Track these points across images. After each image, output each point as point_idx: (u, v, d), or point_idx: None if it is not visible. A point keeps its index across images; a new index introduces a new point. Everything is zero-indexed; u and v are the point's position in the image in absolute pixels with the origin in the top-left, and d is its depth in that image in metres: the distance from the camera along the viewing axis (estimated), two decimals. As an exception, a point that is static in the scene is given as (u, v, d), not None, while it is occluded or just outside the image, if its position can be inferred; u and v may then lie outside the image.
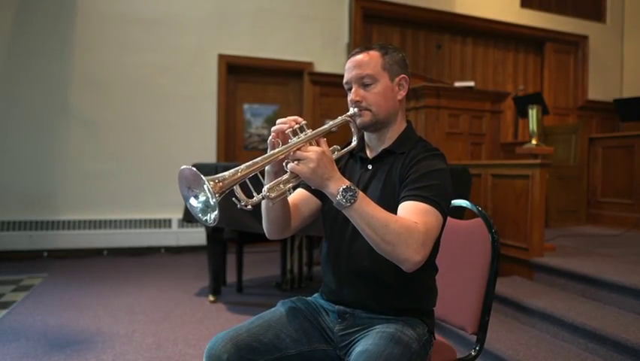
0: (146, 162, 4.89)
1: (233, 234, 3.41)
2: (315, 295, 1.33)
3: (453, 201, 1.50)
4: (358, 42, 5.62)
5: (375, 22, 6.00)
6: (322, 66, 5.55)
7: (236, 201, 1.01)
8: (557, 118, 6.77)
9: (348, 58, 1.25)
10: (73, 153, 4.68)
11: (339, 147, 1.21)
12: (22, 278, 3.73)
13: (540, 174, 2.92)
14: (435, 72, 6.12)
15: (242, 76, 5.43)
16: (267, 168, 1.10)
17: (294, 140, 1.04)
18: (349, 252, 1.19)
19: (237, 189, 1.01)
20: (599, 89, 7.07)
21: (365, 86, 1.20)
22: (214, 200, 0.92)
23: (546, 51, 6.93)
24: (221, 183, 0.94)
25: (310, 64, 5.50)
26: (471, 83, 4.29)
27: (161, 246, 4.90)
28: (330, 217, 1.26)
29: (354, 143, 1.23)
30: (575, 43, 7.05)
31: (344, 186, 1.00)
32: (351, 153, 1.30)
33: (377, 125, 1.22)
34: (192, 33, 5.05)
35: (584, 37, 7.01)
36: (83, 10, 4.71)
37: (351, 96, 1.21)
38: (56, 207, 4.62)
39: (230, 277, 3.72)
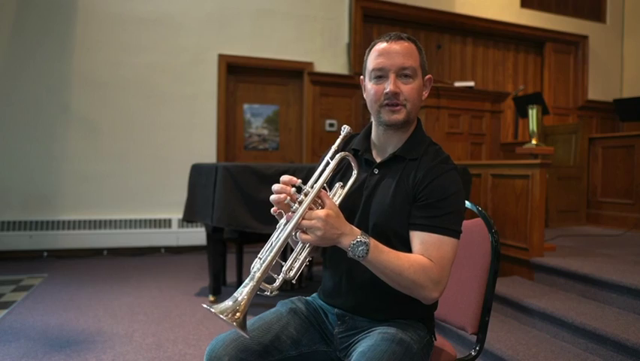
0: (146, 162, 4.89)
1: (233, 234, 3.42)
2: (314, 295, 1.32)
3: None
4: (358, 42, 5.62)
5: (375, 22, 6.00)
6: (322, 66, 5.55)
7: (260, 293, 0.99)
8: (557, 118, 6.78)
9: (377, 43, 1.15)
10: (73, 153, 4.68)
11: (341, 183, 1.14)
12: (22, 278, 3.73)
13: (540, 174, 2.92)
14: (435, 72, 6.12)
15: (242, 76, 5.43)
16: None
17: (296, 207, 1.00)
18: (349, 262, 1.13)
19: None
20: (599, 89, 7.07)
21: (404, 77, 1.12)
22: (237, 329, 0.93)
23: (546, 51, 6.93)
24: (238, 314, 0.93)
25: (310, 64, 5.50)
26: (471, 83, 4.29)
27: (161, 246, 4.90)
28: None
29: (354, 175, 1.12)
30: (575, 43, 7.05)
31: (354, 242, 0.99)
32: (356, 153, 1.22)
33: (404, 125, 1.15)
34: (192, 33, 5.05)
35: (584, 37, 7.01)
36: (83, 9, 4.71)
37: (389, 87, 1.10)
38: (56, 207, 4.62)
39: (230, 277, 3.72)
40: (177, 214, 4.78)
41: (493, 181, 3.33)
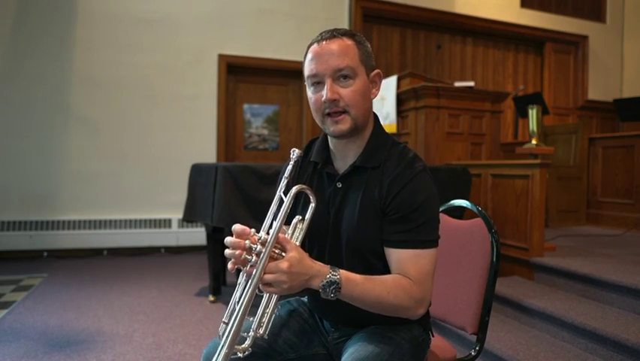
0: (146, 162, 4.89)
1: (233, 234, 3.41)
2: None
3: (453, 202, 1.51)
4: (358, 42, 5.61)
5: (375, 22, 6.00)
6: (322, 66, 5.54)
7: (232, 356, 0.90)
8: (557, 118, 6.78)
9: (311, 45, 1.06)
10: (73, 153, 4.68)
11: (300, 217, 1.04)
12: (22, 278, 3.73)
13: (540, 174, 2.92)
14: (435, 72, 6.13)
15: (242, 76, 5.43)
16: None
17: (254, 259, 0.90)
18: None
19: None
20: (599, 89, 7.07)
21: (343, 79, 1.01)
22: None
23: (546, 51, 6.93)
24: None
25: (310, 64, 5.48)
26: (471, 83, 4.29)
27: (161, 246, 4.90)
28: (306, 245, 1.13)
29: (312, 207, 1.03)
30: (575, 43, 7.06)
31: (324, 282, 0.92)
32: (315, 168, 1.16)
33: (353, 133, 1.05)
34: (192, 33, 5.05)
35: (584, 37, 7.01)
36: (83, 9, 4.71)
37: (326, 95, 1.01)
38: (56, 207, 4.62)
39: (231, 277, 3.72)
40: (177, 214, 4.78)
41: (493, 181, 3.33)
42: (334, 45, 1.02)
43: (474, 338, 1.33)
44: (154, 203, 4.88)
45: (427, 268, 1.01)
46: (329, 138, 1.13)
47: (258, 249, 0.90)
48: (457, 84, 4.26)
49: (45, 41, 4.60)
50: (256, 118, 5.54)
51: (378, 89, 1.09)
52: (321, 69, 1.02)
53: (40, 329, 2.61)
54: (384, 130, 1.13)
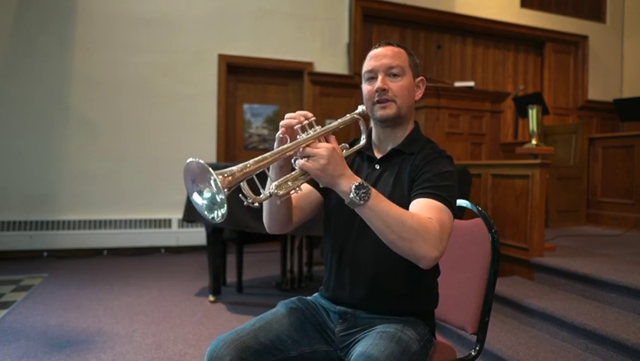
0: (146, 161, 4.90)
1: (233, 234, 3.41)
2: (316, 294, 1.33)
3: (453, 201, 1.51)
4: (358, 42, 5.62)
5: (375, 22, 6.00)
6: (322, 66, 5.55)
7: (243, 198, 0.96)
8: (557, 118, 6.77)
9: (371, 50, 1.25)
10: (73, 153, 4.68)
11: (347, 145, 1.20)
12: (22, 278, 3.73)
13: (540, 174, 2.92)
14: (435, 72, 6.13)
15: (242, 76, 5.43)
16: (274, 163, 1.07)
17: (303, 136, 1.02)
18: (353, 255, 1.18)
19: (244, 186, 0.96)
20: (599, 89, 7.07)
21: (392, 76, 1.19)
22: (222, 196, 0.87)
23: (546, 51, 6.93)
24: (230, 178, 0.89)
25: (310, 64, 5.50)
26: (471, 83, 4.28)
27: (161, 246, 4.90)
28: (333, 216, 1.24)
29: (363, 141, 1.20)
30: (575, 43, 7.05)
31: (356, 184, 0.96)
32: (359, 151, 1.28)
33: (397, 120, 1.21)
34: (192, 33, 5.05)
35: (584, 37, 7.01)
36: (83, 9, 4.71)
37: (377, 84, 1.18)
38: (56, 207, 4.62)
39: (230, 277, 3.72)
40: (177, 214, 4.78)
41: (493, 181, 3.33)
42: (389, 50, 1.22)
43: (474, 338, 1.33)
44: (154, 203, 4.88)
45: (446, 222, 1.04)
46: (374, 129, 1.29)
47: (309, 131, 1.03)
48: (457, 84, 4.26)
49: (44, 41, 4.60)
50: (256, 118, 5.54)
51: (421, 93, 1.27)
52: (376, 66, 1.20)
53: (40, 329, 2.61)
54: (422, 133, 1.30)
